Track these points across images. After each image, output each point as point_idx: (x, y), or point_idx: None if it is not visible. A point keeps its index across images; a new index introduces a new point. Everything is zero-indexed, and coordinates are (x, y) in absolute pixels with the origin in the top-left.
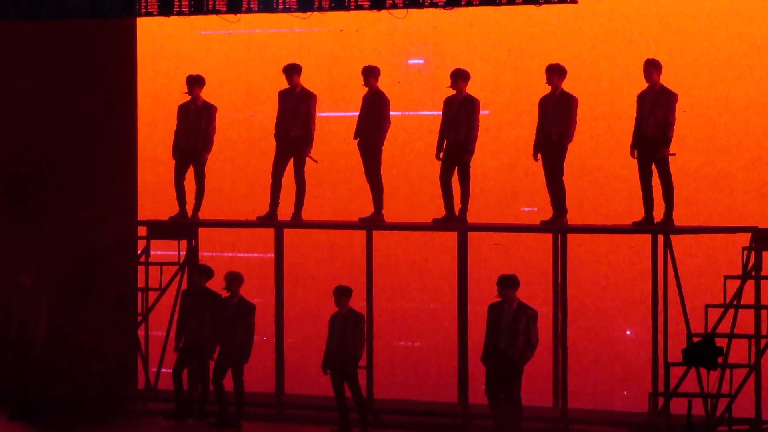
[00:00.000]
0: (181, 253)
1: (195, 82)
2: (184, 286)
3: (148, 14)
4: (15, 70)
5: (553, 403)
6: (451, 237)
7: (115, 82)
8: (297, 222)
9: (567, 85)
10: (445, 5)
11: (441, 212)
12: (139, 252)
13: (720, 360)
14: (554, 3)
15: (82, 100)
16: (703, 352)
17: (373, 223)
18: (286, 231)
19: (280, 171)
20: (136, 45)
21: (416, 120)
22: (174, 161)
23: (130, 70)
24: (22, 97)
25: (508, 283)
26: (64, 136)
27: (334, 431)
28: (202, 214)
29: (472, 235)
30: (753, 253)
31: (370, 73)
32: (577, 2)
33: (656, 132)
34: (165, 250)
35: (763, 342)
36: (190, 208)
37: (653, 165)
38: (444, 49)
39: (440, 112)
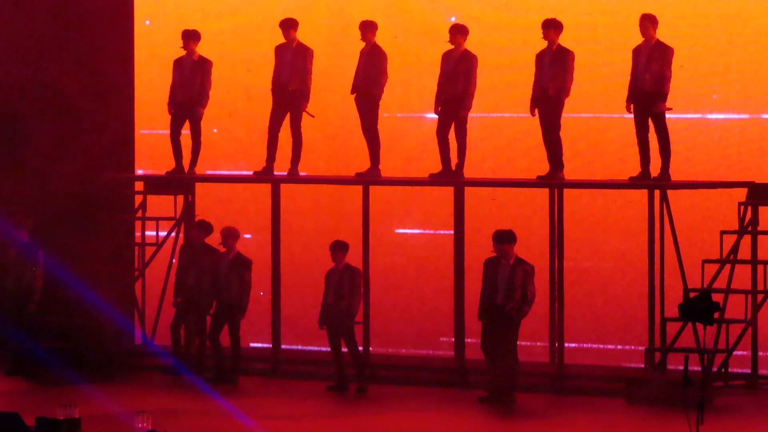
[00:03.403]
0: (178, 207)
1: (190, 37)
2: (180, 241)
3: None
4: (11, 26)
5: (550, 358)
6: (447, 192)
7: (111, 36)
8: (293, 177)
9: (563, 40)
10: None
11: (438, 167)
12: (135, 207)
13: (716, 315)
14: None
15: (78, 54)
16: (699, 307)
17: (370, 177)
18: (283, 186)
19: (276, 126)
20: None
21: (414, 76)
22: (170, 116)
23: (127, 24)
24: (19, 52)
25: (504, 239)
26: (61, 92)
27: (330, 386)
28: (199, 169)
29: (468, 190)
30: (749, 208)
31: (368, 28)
32: None
33: (652, 87)
34: (161, 205)
35: (760, 297)
36: (186, 163)
37: (650, 120)
38: (441, 3)
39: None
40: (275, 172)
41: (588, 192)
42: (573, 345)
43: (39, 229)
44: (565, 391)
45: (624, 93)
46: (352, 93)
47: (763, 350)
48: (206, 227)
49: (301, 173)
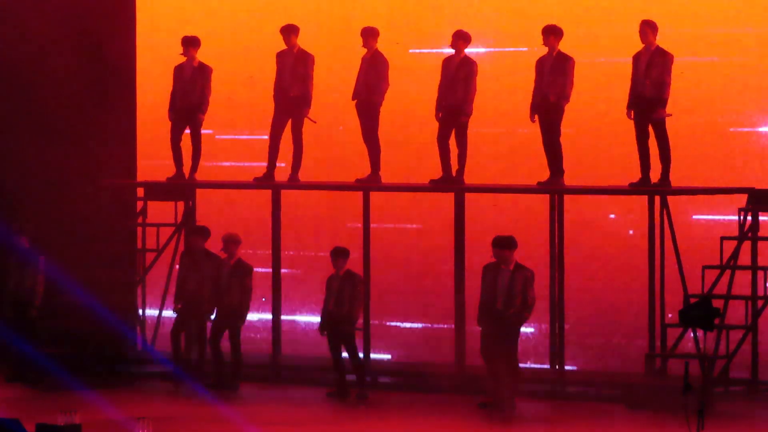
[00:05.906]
0: (178, 214)
1: (190, 43)
2: (181, 247)
3: None
4: (14, 32)
5: (550, 364)
6: (448, 198)
7: (114, 43)
8: (294, 183)
9: (563, 46)
10: None
11: (438, 173)
12: (136, 213)
13: (717, 321)
14: None
15: (81, 61)
16: (700, 313)
17: (371, 184)
18: (284, 192)
19: (278, 132)
20: (135, 5)
21: (414, 81)
22: (170, 122)
23: (129, 31)
24: (21, 58)
25: (504, 244)
26: (63, 98)
27: (331, 392)
28: (199, 176)
29: (468, 196)
30: (750, 214)
31: (370, 34)
32: None
33: (652, 93)
34: (162, 211)
35: (760, 303)
36: (187, 170)
37: (650, 126)
38: (444, 9)
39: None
40: (276, 179)
41: (588, 198)
42: (573, 350)
43: (40, 234)
44: (566, 397)
45: (625, 99)
46: (353, 99)
47: (763, 356)
48: (203, 232)
49: (302, 179)
